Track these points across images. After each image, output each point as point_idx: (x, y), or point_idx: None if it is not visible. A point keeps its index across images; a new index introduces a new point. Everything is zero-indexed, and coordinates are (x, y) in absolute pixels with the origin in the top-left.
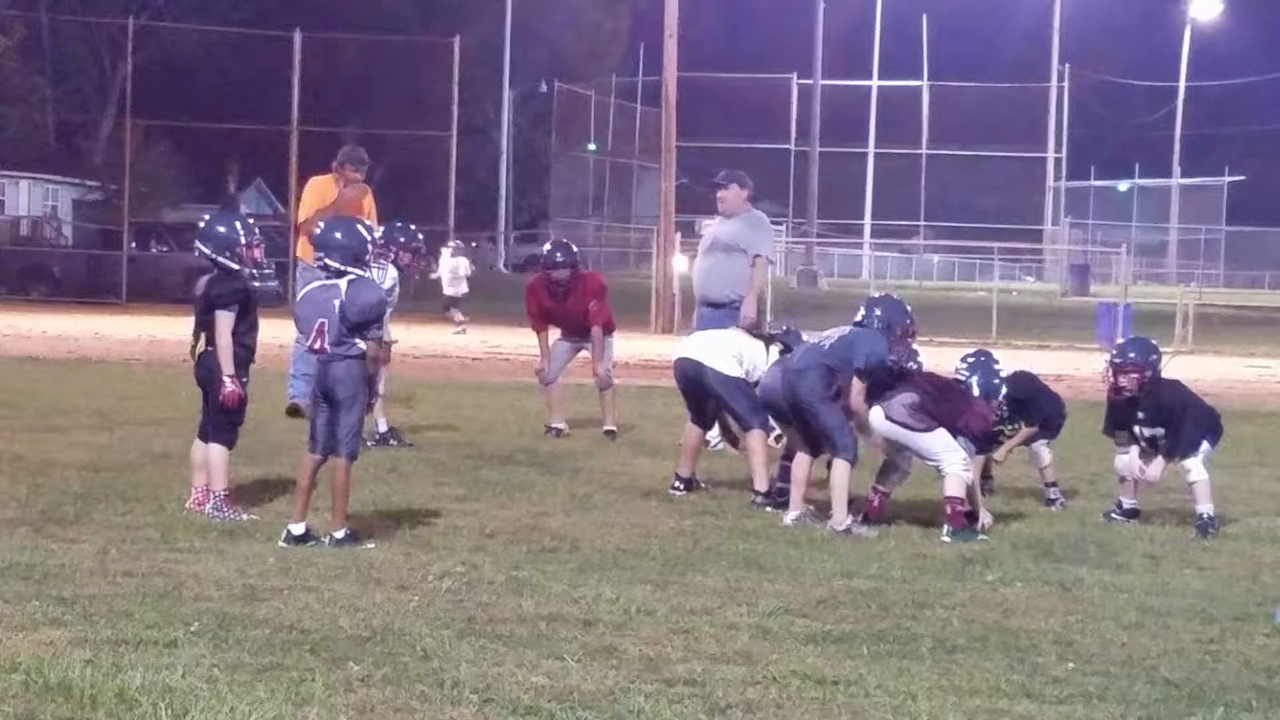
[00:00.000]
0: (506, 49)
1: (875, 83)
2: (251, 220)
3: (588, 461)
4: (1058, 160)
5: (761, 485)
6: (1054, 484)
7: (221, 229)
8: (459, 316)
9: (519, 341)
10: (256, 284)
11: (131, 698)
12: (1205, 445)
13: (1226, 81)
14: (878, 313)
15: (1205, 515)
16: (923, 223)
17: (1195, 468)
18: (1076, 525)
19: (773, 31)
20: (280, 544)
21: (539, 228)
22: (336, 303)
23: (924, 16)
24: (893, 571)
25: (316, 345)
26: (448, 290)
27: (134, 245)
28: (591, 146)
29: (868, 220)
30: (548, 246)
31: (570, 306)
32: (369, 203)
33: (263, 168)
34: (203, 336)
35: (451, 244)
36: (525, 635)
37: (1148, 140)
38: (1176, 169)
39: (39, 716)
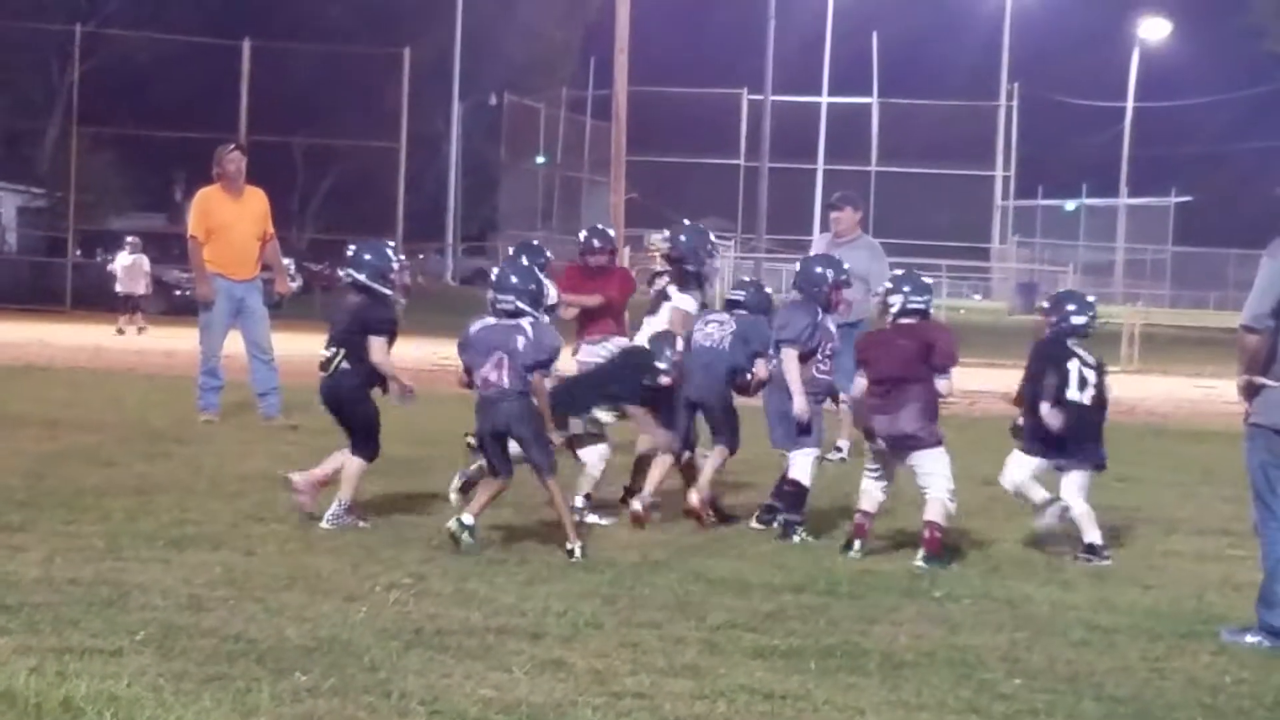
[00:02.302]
0: (456, 61)
1: (825, 99)
2: (394, 245)
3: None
4: (1006, 179)
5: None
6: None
7: (370, 256)
8: (140, 321)
9: None
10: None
11: (77, 706)
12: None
13: (1174, 103)
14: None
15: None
16: (871, 239)
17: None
18: (1023, 543)
19: (723, 47)
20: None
21: (487, 240)
22: (520, 340)
23: (874, 34)
24: (840, 587)
25: (493, 377)
26: (125, 288)
27: (79, 253)
28: (541, 159)
29: (816, 236)
30: (584, 234)
31: (601, 284)
32: (264, 207)
33: (210, 177)
34: (341, 354)
35: (130, 240)
36: (473, 647)
37: (1095, 160)
38: (1124, 189)
39: None
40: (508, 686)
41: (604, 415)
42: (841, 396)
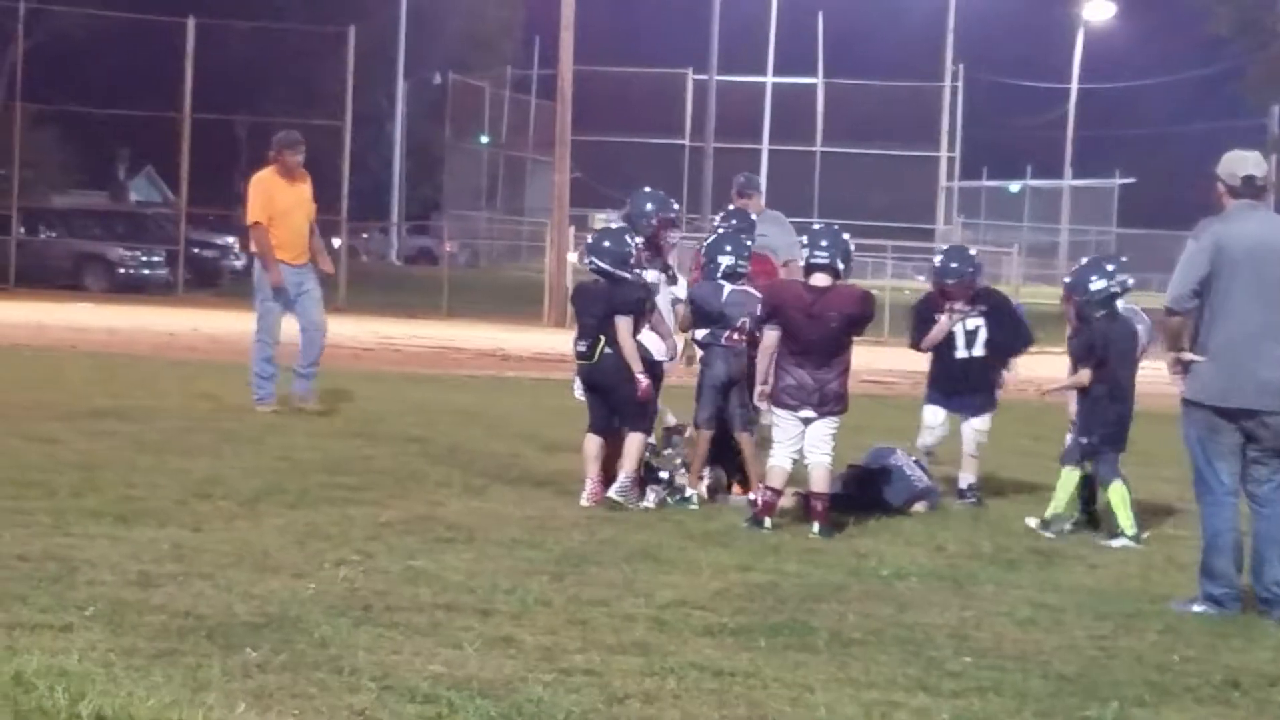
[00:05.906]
0: (401, 40)
1: (770, 79)
2: (633, 233)
3: (481, 453)
4: (950, 160)
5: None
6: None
7: (609, 244)
8: None
9: (411, 332)
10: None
11: (27, 681)
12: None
13: (1118, 84)
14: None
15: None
16: (816, 220)
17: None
18: (969, 522)
19: (668, 27)
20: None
21: (431, 219)
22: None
23: (820, 14)
24: (788, 565)
25: (736, 336)
26: None
27: (22, 230)
28: (485, 138)
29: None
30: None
31: None
32: (310, 191)
33: (153, 155)
34: (603, 341)
35: None
36: (422, 624)
37: (1040, 141)
38: (1068, 170)
39: None
40: (458, 663)
41: None
42: None
